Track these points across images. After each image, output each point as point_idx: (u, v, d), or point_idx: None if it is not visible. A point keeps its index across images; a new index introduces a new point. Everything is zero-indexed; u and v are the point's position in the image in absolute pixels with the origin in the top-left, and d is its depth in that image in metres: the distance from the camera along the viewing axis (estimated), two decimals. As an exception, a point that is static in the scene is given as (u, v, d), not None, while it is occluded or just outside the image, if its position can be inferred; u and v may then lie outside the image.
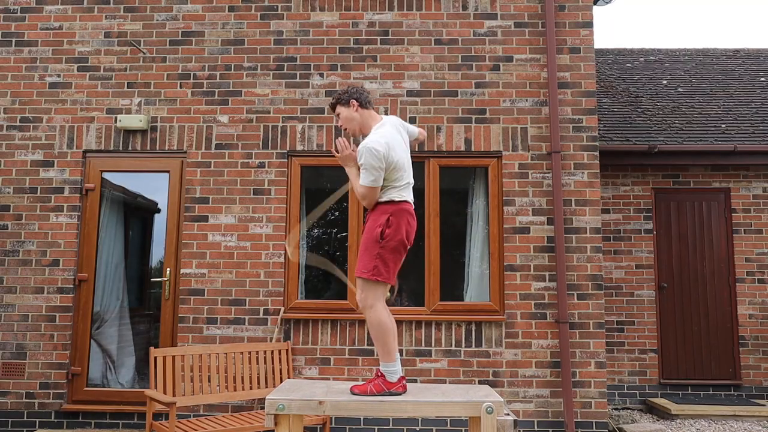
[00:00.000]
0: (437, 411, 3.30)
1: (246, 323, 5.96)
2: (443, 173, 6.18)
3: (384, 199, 3.53)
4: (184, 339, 5.95)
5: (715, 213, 7.86)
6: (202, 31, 6.35)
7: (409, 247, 3.60)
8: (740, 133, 8.02)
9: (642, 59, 10.42)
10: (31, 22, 6.42)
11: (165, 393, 5.10)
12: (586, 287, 5.93)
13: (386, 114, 6.16)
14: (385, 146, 3.43)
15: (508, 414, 3.23)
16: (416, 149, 6.11)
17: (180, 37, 6.35)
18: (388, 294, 3.66)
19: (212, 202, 6.11)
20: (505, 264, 5.98)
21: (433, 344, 5.90)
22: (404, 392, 3.43)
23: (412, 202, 3.64)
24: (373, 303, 3.47)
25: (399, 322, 5.55)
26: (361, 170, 3.48)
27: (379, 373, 3.44)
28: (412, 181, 3.68)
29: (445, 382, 5.79)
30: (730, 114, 8.57)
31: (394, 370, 3.42)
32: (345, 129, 3.73)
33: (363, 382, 3.50)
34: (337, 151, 3.71)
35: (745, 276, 7.72)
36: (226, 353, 5.53)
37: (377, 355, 3.60)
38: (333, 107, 3.75)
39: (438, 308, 5.98)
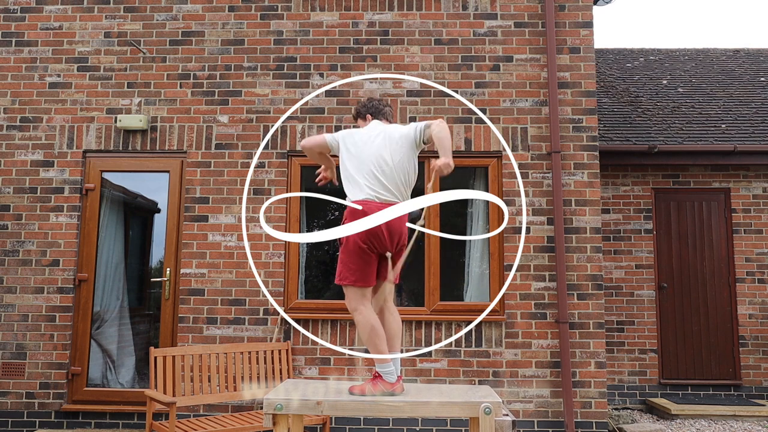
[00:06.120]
0: (435, 411, 3.30)
1: (246, 323, 5.96)
2: (443, 173, 6.16)
3: (346, 201, 3.61)
4: (184, 339, 5.95)
5: (715, 213, 7.86)
6: (202, 31, 6.36)
7: (382, 245, 3.49)
8: (740, 133, 8.01)
9: (642, 59, 10.41)
10: (31, 22, 6.43)
11: (165, 393, 5.10)
12: (586, 287, 5.92)
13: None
14: (345, 132, 3.76)
15: (507, 414, 3.22)
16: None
17: (180, 37, 6.36)
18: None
19: (212, 202, 6.12)
20: (505, 264, 5.98)
21: (433, 344, 5.90)
22: (401, 393, 3.43)
23: (379, 198, 3.52)
24: (356, 306, 3.53)
25: (398, 322, 5.54)
26: None
27: (377, 374, 3.44)
28: (380, 179, 3.57)
29: (446, 382, 5.80)
30: (730, 114, 8.56)
31: (389, 370, 3.43)
32: None
33: (362, 383, 3.51)
34: None
35: (745, 276, 7.71)
36: (226, 353, 5.53)
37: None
38: (354, 118, 4.04)
39: (438, 308, 5.98)
